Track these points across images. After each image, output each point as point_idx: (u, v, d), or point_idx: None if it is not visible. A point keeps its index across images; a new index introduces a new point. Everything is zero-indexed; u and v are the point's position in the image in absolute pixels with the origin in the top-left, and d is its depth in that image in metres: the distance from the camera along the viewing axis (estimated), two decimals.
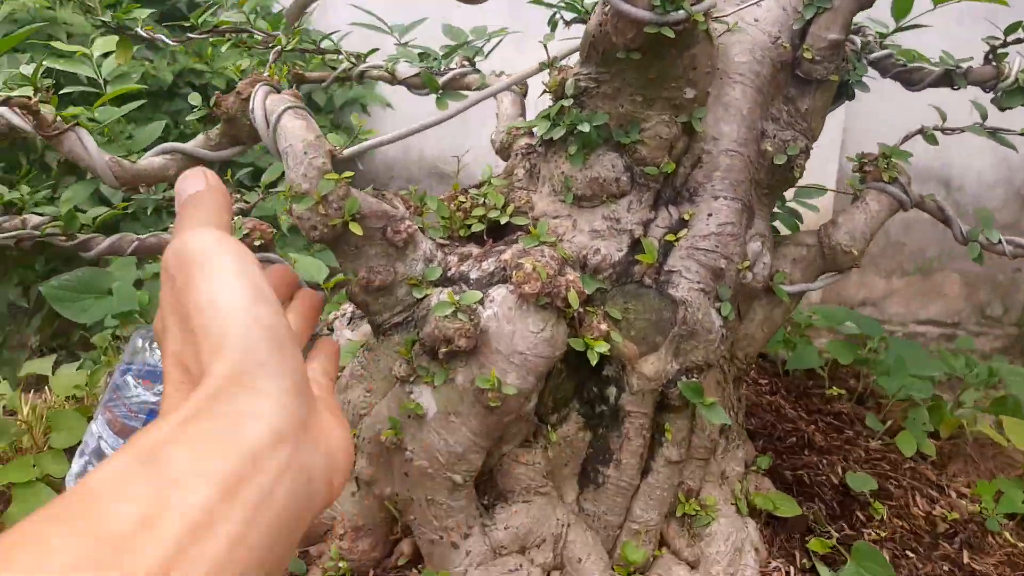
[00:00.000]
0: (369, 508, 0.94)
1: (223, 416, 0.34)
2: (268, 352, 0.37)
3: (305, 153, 0.86)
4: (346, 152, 0.95)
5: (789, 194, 1.26)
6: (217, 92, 1.00)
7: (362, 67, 1.40)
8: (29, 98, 0.92)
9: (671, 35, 0.79)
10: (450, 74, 1.27)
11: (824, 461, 1.20)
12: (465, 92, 1.25)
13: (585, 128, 0.91)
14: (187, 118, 1.33)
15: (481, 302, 0.86)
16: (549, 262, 0.85)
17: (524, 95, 1.27)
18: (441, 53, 1.31)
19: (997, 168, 4.26)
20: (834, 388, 1.53)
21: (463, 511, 0.87)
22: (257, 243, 1.14)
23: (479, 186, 1.05)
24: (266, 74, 1.02)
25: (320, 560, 0.97)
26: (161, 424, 0.33)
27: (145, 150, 1.39)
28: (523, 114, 1.20)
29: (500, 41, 1.28)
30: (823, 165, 4.11)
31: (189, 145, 1.02)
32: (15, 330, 2.22)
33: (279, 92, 0.98)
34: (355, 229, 0.85)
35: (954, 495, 1.20)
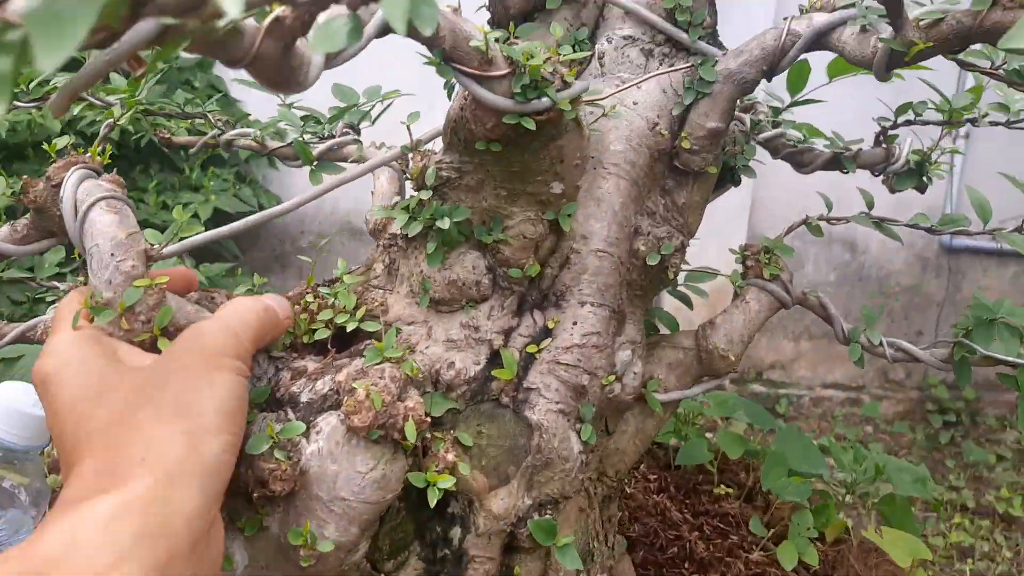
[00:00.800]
0: None
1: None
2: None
3: (112, 255, 0.74)
4: (166, 250, 0.83)
5: (680, 277, 1.20)
6: (25, 177, 0.87)
7: (229, 135, 1.29)
8: None
9: (531, 126, 0.71)
10: (324, 144, 1.17)
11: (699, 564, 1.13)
12: (342, 164, 1.16)
13: (444, 224, 0.82)
14: None
15: (306, 434, 0.75)
16: (388, 385, 0.75)
17: (404, 171, 1.18)
18: (328, 116, 1.21)
19: (899, 231, 4.42)
20: (722, 486, 1.47)
21: None
22: None
23: (331, 283, 0.95)
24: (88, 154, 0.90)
25: None
26: None
27: None
28: (401, 192, 1.11)
29: (389, 105, 1.19)
30: (733, 231, 4.16)
31: None
32: None
33: (98, 176, 0.86)
34: (163, 345, 0.74)
35: None
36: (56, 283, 1.35)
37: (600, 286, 0.88)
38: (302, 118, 1.22)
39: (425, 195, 0.85)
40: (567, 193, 0.85)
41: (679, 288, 1.18)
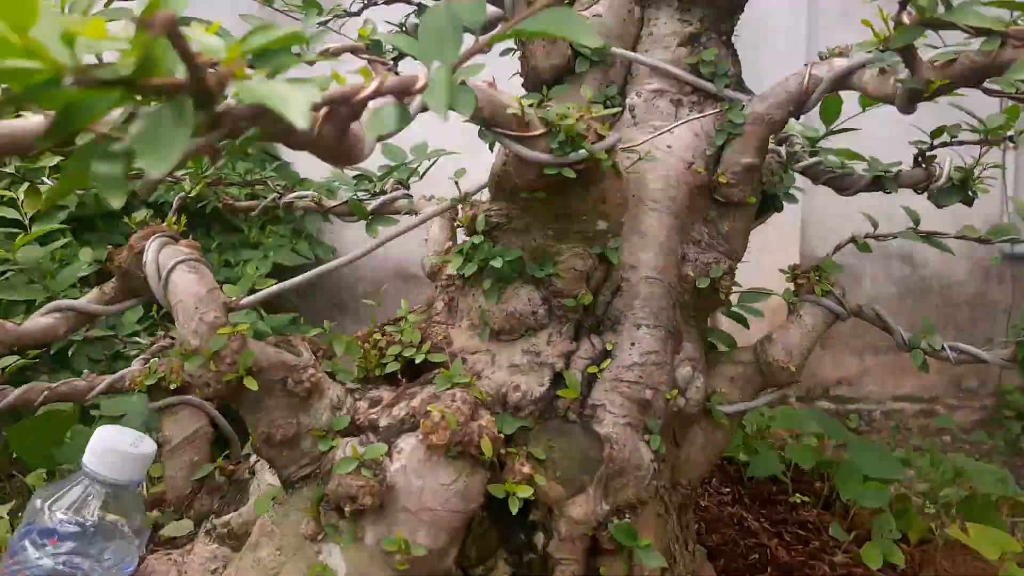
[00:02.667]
0: None
1: None
2: None
3: (196, 308, 0.82)
4: (243, 302, 0.91)
5: (734, 298, 1.23)
6: (110, 247, 0.96)
7: (289, 197, 1.38)
8: None
9: (572, 175, 0.76)
10: (379, 200, 1.24)
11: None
12: (395, 216, 1.23)
13: (498, 263, 0.87)
14: (77, 275, 1.28)
15: (388, 454, 0.80)
16: (460, 407, 0.80)
17: (454, 219, 1.24)
18: (378, 174, 1.29)
19: (959, 242, 4.31)
20: (798, 495, 1.47)
21: None
22: (172, 386, 1.08)
23: (396, 321, 1.00)
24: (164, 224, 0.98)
25: None
26: None
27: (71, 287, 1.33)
28: (453, 238, 1.17)
29: (435, 161, 1.26)
30: (785, 248, 4.13)
31: (81, 301, 0.97)
32: None
33: (176, 242, 0.94)
34: (250, 385, 0.80)
35: None
36: (137, 339, 1.44)
37: (653, 309, 0.91)
38: (354, 177, 1.30)
39: (478, 240, 0.90)
40: (612, 229, 0.90)
41: (734, 309, 1.21)
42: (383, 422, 0.84)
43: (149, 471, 1.47)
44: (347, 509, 0.77)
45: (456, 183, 0.91)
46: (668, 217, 0.92)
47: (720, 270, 0.94)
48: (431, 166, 1.27)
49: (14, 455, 1.55)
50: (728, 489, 1.54)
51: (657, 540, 0.91)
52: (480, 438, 0.78)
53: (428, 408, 0.79)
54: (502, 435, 0.81)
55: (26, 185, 1.08)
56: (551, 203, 0.82)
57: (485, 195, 0.96)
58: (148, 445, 0.96)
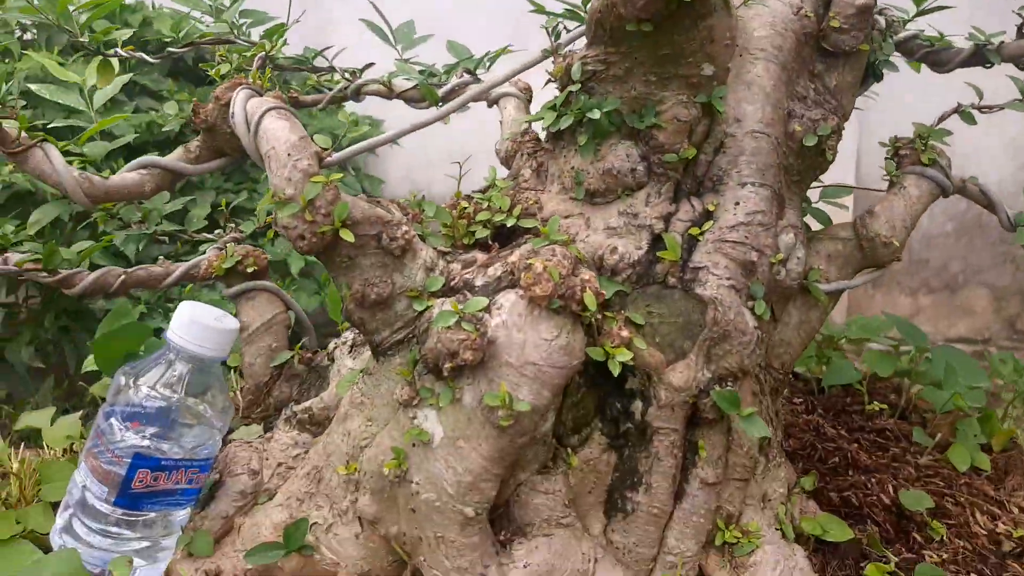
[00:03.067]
0: (375, 551, 0.84)
1: None
2: None
3: (289, 155, 0.79)
4: (335, 156, 0.87)
5: (813, 196, 1.17)
6: (195, 100, 0.93)
7: (358, 82, 1.34)
8: None
9: None
10: (450, 85, 1.20)
11: (872, 480, 1.09)
12: (468, 106, 1.18)
13: (595, 115, 0.83)
14: (163, 128, 1.26)
15: (487, 310, 0.77)
16: (561, 261, 0.76)
17: (529, 101, 1.20)
18: (443, 70, 1.25)
19: (1017, 175, 4.16)
20: (875, 403, 1.42)
21: (477, 548, 0.77)
22: (250, 270, 1.07)
23: (483, 191, 0.97)
24: (248, 79, 0.95)
25: None
26: None
27: None
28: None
29: (497, 56, 1.22)
30: (840, 162, 4.01)
31: (168, 159, 0.94)
32: (25, 391, 2.14)
33: (261, 95, 0.91)
34: (346, 236, 0.77)
35: (1016, 511, 1.09)
36: (206, 234, 1.42)
37: (759, 166, 0.86)
38: (419, 71, 1.26)
39: (574, 89, 0.86)
40: (718, 76, 0.85)
41: (815, 206, 1.15)
42: (479, 281, 0.81)
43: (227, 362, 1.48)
44: (446, 367, 0.75)
45: (548, 31, 0.86)
46: (775, 67, 0.86)
47: (828, 128, 0.88)
48: (495, 58, 1.23)
49: (82, 369, 1.57)
50: (801, 400, 1.50)
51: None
52: (583, 292, 0.74)
53: (528, 262, 0.76)
54: (604, 293, 0.77)
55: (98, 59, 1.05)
56: (656, 41, 0.77)
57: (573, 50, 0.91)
58: (232, 322, 0.94)
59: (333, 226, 0.77)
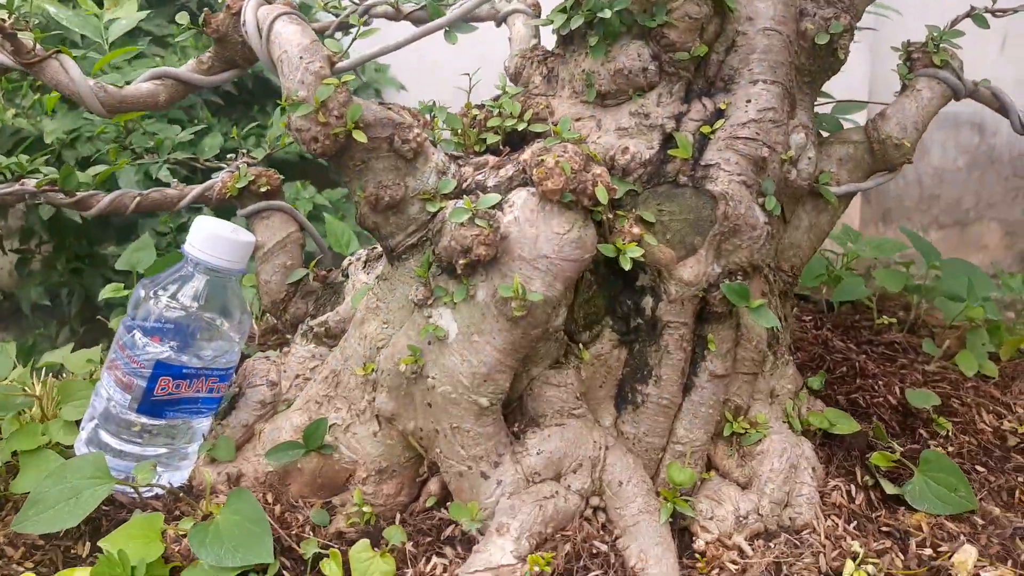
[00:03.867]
0: (392, 448, 0.87)
1: None
2: None
3: (301, 58, 0.79)
4: (346, 63, 0.88)
5: (826, 111, 1.17)
6: (206, 10, 0.93)
7: (366, 3, 1.33)
8: (3, 20, 0.85)
9: None
10: (458, 5, 1.19)
11: (879, 384, 1.11)
12: (476, 24, 1.17)
13: (606, 14, 0.82)
14: (175, 39, 1.26)
15: (500, 207, 0.78)
16: (573, 157, 0.77)
17: (537, 17, 1.19)
18: None
19: None
20: (884, 318, 1.43)
21: (492, 438, 0.80)
22: (263, 189, 1.08)
23: (494, 100, 0.97)
24: None
25: (343, 508, 0.90)
26: None
27: None
28: (537, 36, 1.12)
29: None
30: (853, 85, 3.94)
31: (181, 70, 0.95)
32: (43, 332, 2.18)
33: (271, 2, 0.91)
34: (359, 137, 0.78)
35: (1022, 411, 1.10)
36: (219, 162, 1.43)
37: (771, 63, 0.86)
38: None
39: None
40: None
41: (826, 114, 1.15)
42: (491, 182, 0.82)
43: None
44: (460, 264, 0.76)
45: None
46: None
47: (840, 25, 0.87)
48: None
49: (100, 302, 1.59)
50: (810, 318, 1.51)
51: None
52: (594, 187, 0.75)
53: (540, 158, 0.76)
54: (616, 189, 0.78)
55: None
56: None
57: None
58: (247, 235, 0.96)
59: (346, 128, 0.78)
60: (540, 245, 0.75)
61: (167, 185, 1.21)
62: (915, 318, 1.48)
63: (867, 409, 1.04)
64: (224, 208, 1.20)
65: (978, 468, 0.94)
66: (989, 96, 1.06)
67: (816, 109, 1.18)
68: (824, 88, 1.02)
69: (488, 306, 0.77)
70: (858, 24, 1.09)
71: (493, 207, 0.77)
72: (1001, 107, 1.06)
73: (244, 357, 1.12)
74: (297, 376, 1.01)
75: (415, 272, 0.83)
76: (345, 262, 1.13)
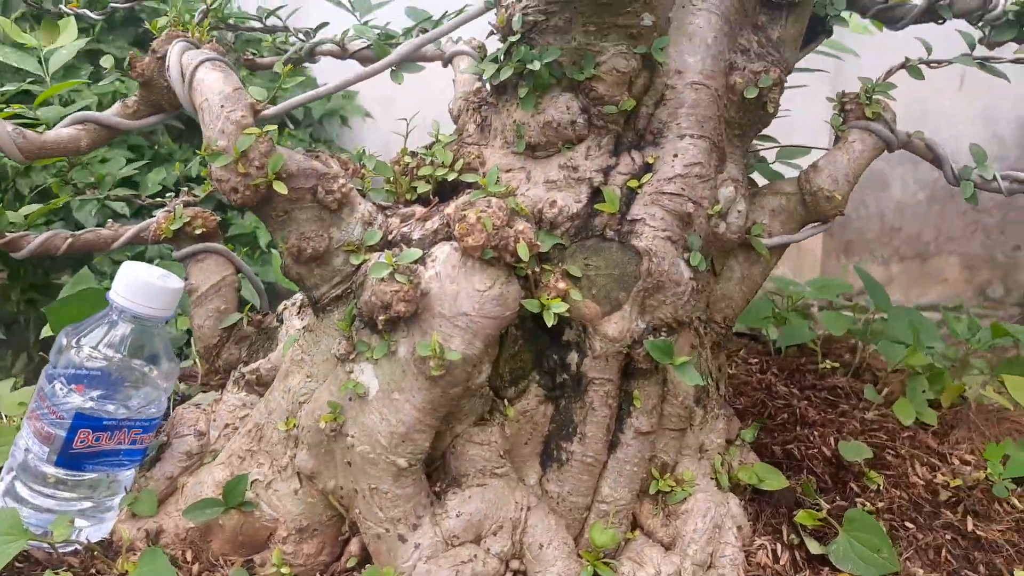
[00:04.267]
0: (313, 507, 0.85)
1: None
2: None
3: (222, 107, 0.78)
4: (272, 110, 0.86)
5: (771, 156, 1.18)
6: (131, 53, 0.92)
7: (312, 42, 1.32)
8: None
9: None
10: (404, 46, 1.18)
11: (816, 434, 1.11)
12: (423, 64, 1.17)
13: (535, 66, 0.82)
14: (99, 83, 1.25)
15: (423, 262, 0.77)
16: (496, 212, 0.76)
17: (483, 60, 1.19)
18: (401, 32, 1.24)
19: (989, 144, 4.16)
20: (828, 362, 1.44)
21: (411, 499, 0.78)
22: (199, 231, 1.06)
23: (428, 147, 0.96)
24: (189, 33, 0.94)
25: (264, 568, 0.87)
26: None
27: None
28: (480, 78, 1.12)
29: (456, 16, 1.20)
30: (815, 127, 4.00)
31: (104, 114, 0.93)
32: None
33: (198, 48, 0.90)
34: (279, 188, 0.77)
35: (957, 462, 1.11)
36: (160, 199, 1.41)
37: (699, 118, 0.86)
38: (377, 35, 1.24)
39: (513, 39, 0.85)
40: (657, 25, 0.84)
41: (771, 166, 1.16)
42: (416, 235, 0.81)
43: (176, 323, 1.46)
44: (380, 319, 0.75)
45: None
46: (717, 18, 0.86)
47: (770, 79, 0.88)
48: (457, 16, 1.22)
49: (41, 336, 1.55)
50: (756, 360, 1.51)
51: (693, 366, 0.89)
52: (516, 243, 0.74)
53: (463, 213, 0.75)
54: (539, 245, 0.77)
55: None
56: None
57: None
58: (176, 281, 0.94)
59: (267, 178, 0.77)
60: (460, 302, 0.74)
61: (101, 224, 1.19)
62: (860, 362, 1.49)
63: (801, 461, 1.04)
64: None
65: (907, 524, 0.94)
66: (923, 147, 1.07)
67: (762, 153, 1.19)
68: (782, 132, 1.02)
69: (408, 363, 0.76)
70: (807, 68, 1.10)
71: (415, 262, 0.76)
72: (935, 158, 1.07)
73: (185, 397, 1.09)
74: (227, 425, 0.98)
75: (338, 325, 0.81)
76: (280, 307, 1.11)
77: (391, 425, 0.76)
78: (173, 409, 1.02)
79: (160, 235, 1.06)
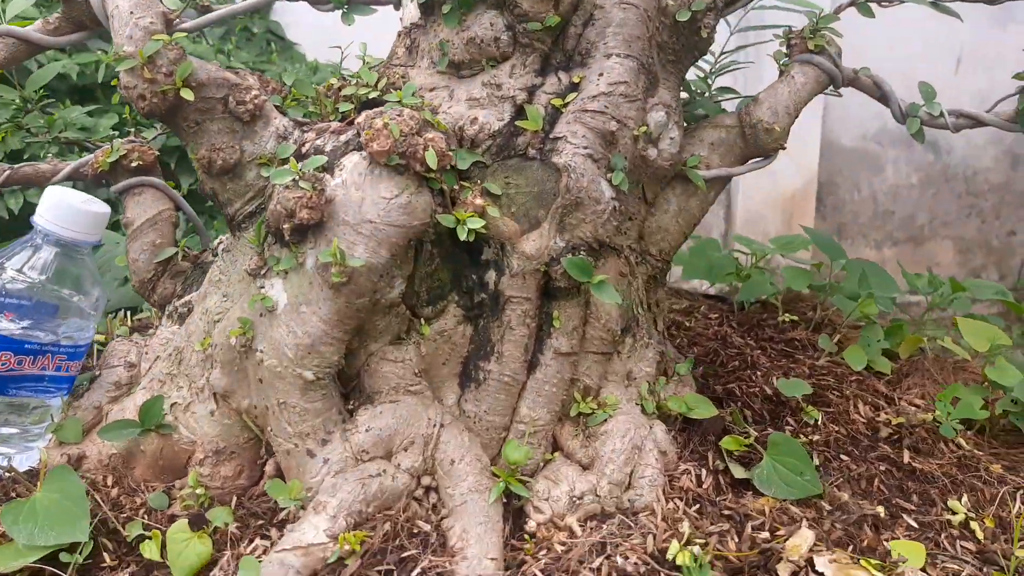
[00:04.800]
0: (230, 428, 0.84)
1: None
2: None
3: (131, 13, 0.76)
4: (190, 24, 0.85)
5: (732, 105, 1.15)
6: None
7: None
8: None
9: None
10: None
11: (759, 374, 1.09)
12: (375, 8, 1.15)
13: None
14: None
15: (331, 170, 0.75)
16: (405, 120, 0.74)
17: None
18: None
19: (985, 128, 4.13)
20: (787, 315, 1.42)
21: (319, 415, 0.76)
22: (135, 164, 1.04)
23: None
24: None
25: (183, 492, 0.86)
26: None
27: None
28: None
29: None
30: (805, 136, 3.95)
31: (25, 28, 0.91)
32: None
33: None
34: (187, 95, 0.75)
35: (905, 405, 1.09)
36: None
37: (626, 37, 0.85)
38: None
39: None
40: None
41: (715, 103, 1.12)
42: (328, 146, 0.79)
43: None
44: (286, 228, 0.73)
45: None
46: None
47: (703, 3, 0.86)
48: None
49: None
50: (717, 315, 1.50)
51: (620, 294, 0.87)
52: (425, 151, 0.73)
53: (372, 120, 0.74)
54: (451, 154, 0.75)
55: None
56: None
57: None
58: (100, 206, 0.92)
59: (174, 86, 0.75)
60: (365, 210, 0.72)
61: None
62: (821, 318, 1.47)
63: (741, 398, 1.02)
64: None
65: (842, 456, 0.92)
66: (870, 84, 1.05)
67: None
68: (751, 87, 0.99)
69: (315, 275, 0.74)
70: (774, 25, 1.07)
71: (320, 168, 0.74)
72: (882, 95, 1.05)
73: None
74: (157, 358, 0.97)
75: (250, 240, 0.80)
76: (216, 241, 1.09)
77: (297, 337, 0.74)
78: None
79: (98, 168, 1.04)
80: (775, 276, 1.70)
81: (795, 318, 1.40)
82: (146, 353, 0.98)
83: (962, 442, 1.00)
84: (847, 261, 1.45)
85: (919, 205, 4.49)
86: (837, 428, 0.97)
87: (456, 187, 0.79)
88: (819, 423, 0.98)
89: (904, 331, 1.33)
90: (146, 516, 0.83)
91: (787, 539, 0.73)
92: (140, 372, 0.96)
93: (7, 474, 0.83)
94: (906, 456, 0.93)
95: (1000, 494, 0.88)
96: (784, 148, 0.99)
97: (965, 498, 0.87)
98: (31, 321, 0.88)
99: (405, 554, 0.68)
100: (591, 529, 0.73)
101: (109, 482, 0.87)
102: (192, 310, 0.99)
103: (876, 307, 1.27)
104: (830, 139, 4.47)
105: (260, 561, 0.68)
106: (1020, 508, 0.87)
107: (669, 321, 1.39)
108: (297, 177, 0.72)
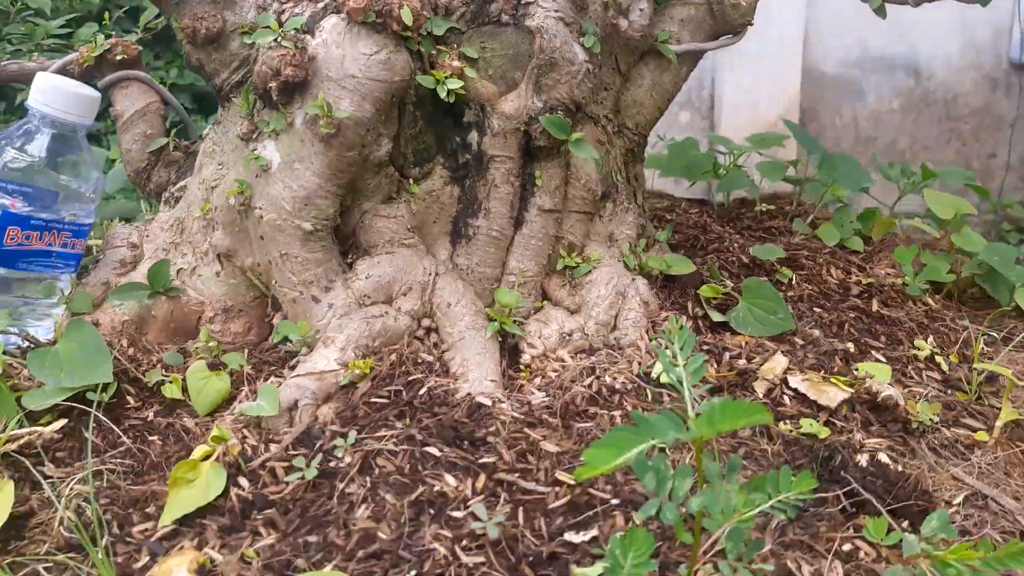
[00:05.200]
0: (236, 287, 0.88)
1: None
2: None
3: None
4: None
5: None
6: None
7: None
8: None
9: None
10: None
11: (736, 246, 1.13)
12: None
13: None
14: None
15: (311, 32, 0.78)
16: None
17: None
18: None
19: (965, 52, 4.15)
20: (764, 205, 1.46)
21: (321, 264, 0.81)
22: (120, 58, 1.06)
23: None
24: None
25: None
26: None
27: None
28: None
29: None
30: (784, 64, 3.93)
31: None
32: None
33: None
34: None
35: (877, 270, 1.13)
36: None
37: None
38: None
39: None
40: None
41: None
42: (307, 13, 0.82)
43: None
44: (272, 88, 0.76)
45: None
46: None
47: None
48: None
49: None
50: (697, 210, 1.53)
51: (598, 158, 0.91)
52: (400, 9, 0.76)
53: None
54: (426, 16, 0.78)
55: None
56: None
57: None
58: (91, 90, 0.95)
59: None
60: (347, 65, 0.75)
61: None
62: (797, 211, 1.52)
63: (719, 264, 1.06)
64: None
65: (815, 309, 0.97)
66: None
67: None
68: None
69: (305, 131, 0.77)
70: None
71: (300, 29, 0.77)
72: None
73: None
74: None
75: (239, 107, 0.83)
76: (206, 130, 1.12)
77: (293, 191, 0.78)
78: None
79: (85, 63, 1.06)
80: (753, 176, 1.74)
81: (772, 207, 1.44)
82: (147, 236, 1.02)
83: (930, 301, 1.05)
84: (822, 153, 1.49)
85: (900, 130, 4.51)
86: (810, 287, 1.01)
87: (434, 52, 0.82)
88: (793, 282, 1.03)
89: (877, 216, 1.38)
90: (164, 371, 0.87)
91: (763, 364, 0.78)
92: (143, 253, 0.99)
93: (26, 342, 0.87)
94: (875, 305, 0.98)
95: (964, 335, 0.93)
96: (751, 24, 1.02)
97: (931, 339, 0.93)
98: (27, 195, 0.91)
99: (411, 378, 0.74)
100: (581, 359, 0.78)
101: (125, 344, 0.91)
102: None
103: (843, 189, 1.31)
104: (810, 65, 4.45)
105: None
106: (982, 345, 0.92)
107: (651, 214, 1.44)
108: (279, 37, 0.75)
